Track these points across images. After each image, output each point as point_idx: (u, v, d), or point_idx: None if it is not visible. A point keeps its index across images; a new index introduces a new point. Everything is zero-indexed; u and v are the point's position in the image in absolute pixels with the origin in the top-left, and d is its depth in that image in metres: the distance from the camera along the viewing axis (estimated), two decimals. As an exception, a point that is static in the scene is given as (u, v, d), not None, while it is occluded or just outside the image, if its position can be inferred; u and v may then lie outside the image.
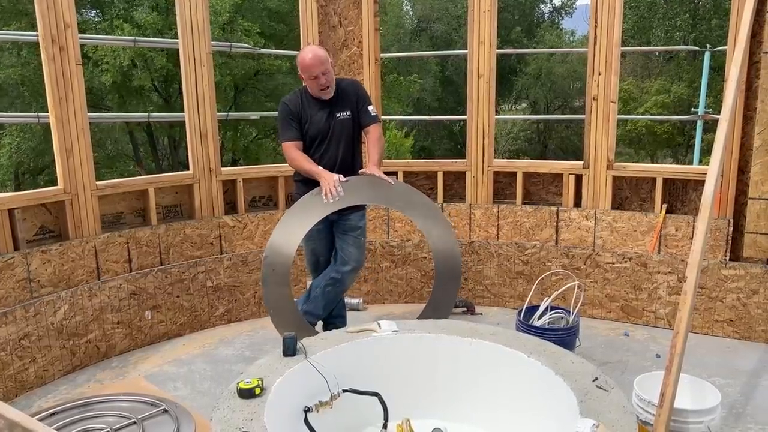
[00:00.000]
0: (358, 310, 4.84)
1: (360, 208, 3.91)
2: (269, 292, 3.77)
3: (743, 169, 4.28)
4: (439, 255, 4.02)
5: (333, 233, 3.95)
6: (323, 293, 3.90)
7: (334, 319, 4.08)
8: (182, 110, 4.58)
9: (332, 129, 3.74)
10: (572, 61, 24.78)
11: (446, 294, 4.07)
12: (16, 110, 16.23)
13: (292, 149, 3.73)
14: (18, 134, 16.14)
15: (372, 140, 3.80)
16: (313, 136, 3.76)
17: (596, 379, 2.55)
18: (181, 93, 4.65)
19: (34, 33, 3.89)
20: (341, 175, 3.61)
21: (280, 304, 3.79)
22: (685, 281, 2.83)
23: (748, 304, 4.20)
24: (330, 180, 3.57)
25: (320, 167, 3.66)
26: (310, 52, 3.65)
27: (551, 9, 30.16)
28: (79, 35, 4.00)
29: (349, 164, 3.80)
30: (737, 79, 3.46)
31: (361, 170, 3.75)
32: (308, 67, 3.60)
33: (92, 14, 16.97)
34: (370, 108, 3.83)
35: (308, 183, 3.73)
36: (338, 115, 3.75)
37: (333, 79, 3.69)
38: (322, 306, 3.91)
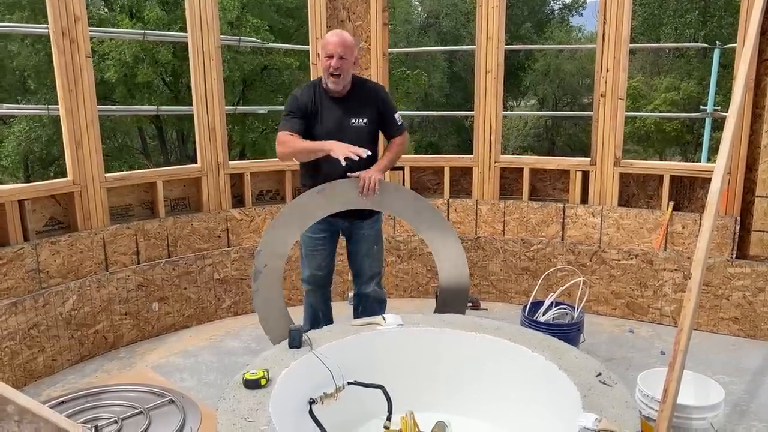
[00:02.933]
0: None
1: (373, 213, 3.53)
2: (259, 287, 3.38)
3: (751, 167, 4.27)
4: (446, 281, 3.62)
5: (335, 244, 3.63)
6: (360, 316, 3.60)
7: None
8: (190, 103, 4.61)
9: (344, 134, 3.29)
10: (581, 57, 24.67)
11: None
12: (28, 101, 16.36)
13: (283, 136, 3.28)
14: (28, 123, 16.23)
15: (391, 145, 3.47)
16: (320, 138, 3.30)
17: (600, 374, 2.56)
18: (189, 87, 4.66)
19: (45, 26, 3.92)
20: (352, 146, 3.13)
21: (269, 303, 3.43)
22: (690, 278, 2.83)
23: (754, 302, 4.19)
24: (344, 145, 3.11)
25: (321, 141, 3.22)
26: (336, 32, 3.34)
27: (561, 6, 30.04)
28: (90, 28, 4.03)
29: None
30: (746, 77, 3.45)
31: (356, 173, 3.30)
32: (327, 43, 3.26)
33: (100, 4, 17.02)
34: (397, 116, 3.46)
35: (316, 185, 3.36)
36: (353, 120, 3.35)
37: (348, 74, 3.30)
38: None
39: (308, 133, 3.32)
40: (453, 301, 3.62)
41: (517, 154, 18.35)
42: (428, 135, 25.01)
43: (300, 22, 17.61)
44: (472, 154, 5.05)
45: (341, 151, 3.11)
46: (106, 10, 16.75)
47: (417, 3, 28.33)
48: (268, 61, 17.34)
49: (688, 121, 19.85)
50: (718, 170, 3.08)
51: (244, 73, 16.92)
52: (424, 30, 27.03)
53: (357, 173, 3.27)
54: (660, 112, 18.67)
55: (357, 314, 3.73)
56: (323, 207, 3.33)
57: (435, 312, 3.72)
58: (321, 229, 3.50)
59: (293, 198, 4.96)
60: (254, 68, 17.30)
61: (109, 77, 15.39)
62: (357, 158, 3.10)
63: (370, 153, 3.18)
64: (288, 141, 3.26)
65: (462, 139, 24.60)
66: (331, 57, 3.23)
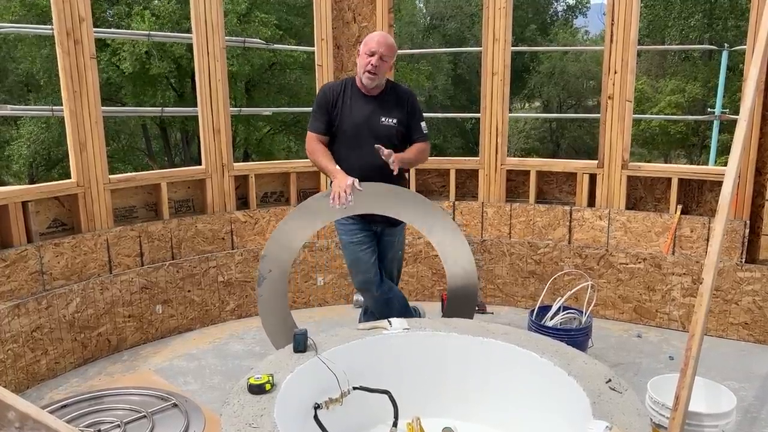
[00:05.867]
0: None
1: (400, 221, 3.58)
2: (264, 293, 3.42)
3: (760, 170, 4.23)
4: (454, 286, 3.61)
5: (376, 243, 3.59)
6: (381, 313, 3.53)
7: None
8: (195, 104, 4.58)
9: (373, 131, 3.36)
10: (585, 59, 24.63)
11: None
12: (35, 102, 16.37)
13: (312, 141, 3.40)
14: (36, 125, 16.25)
15: (414, 146, 3.49)
16: (347, 132, 3.39)
17: (609, 380, 2.52)
18: (193, 87, 4.64)
19: (50, 27, 3.90)
20: (356, 180, 3.21)
21: (273, 310, 3.47)
22: (700, 283, 2.78)
23: (764, 306, 4.14)
24: (342, 183, 3.17)
25: (337, 167, 3.29)
26: (381, 33, 3.46)
27: (565, 7, 30.01)
28: (94, 29, 4.01)
29: (387, 175, 3.32)
30: (756, 79, 3.40)
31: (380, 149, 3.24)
32: (371, 40, 3.30)
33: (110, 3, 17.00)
34: (423, 124, 3.52)
35: None
36: (383, 119, 3.39)
37: (383, 75, 3.37)
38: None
39: (331, 123, 3.41)
40: (461, 306, 3.60)
41: (521, 157, 18.33)
42: (432, 137, 24.90)
43: (307, 21, 17.63)
44: (476, 156, 5.02)
45: (335, 187, 3.20)
46: (110, 11, 16.71)
47: (421, 5, 28.33)
48: (276, 56, 17.35)
49: (693, 124, 19.77)
50: (730, 173, 3.04)
51: (254, 68, 16.89)
52: (429, 32, 27.02)
53: (384, 151, 3.21)
54: (665, 114, 18.63)
55: (365, 315, 3.75)
56: (330, 210, 3.30)
57: (443, 316, 3.70)
58: (359, 230, 3.49)
59: (298, 200, 4.95)
60: (264, 63, 17.28)
61: (125, 68, 15.34)
62: (347, 200, 3.16)
63: (360, 190, 3.21)
64: (313, 149, 3.39)
65: (465, 141, 24.57)
66: (372, 54, 3.27)
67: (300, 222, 3.42)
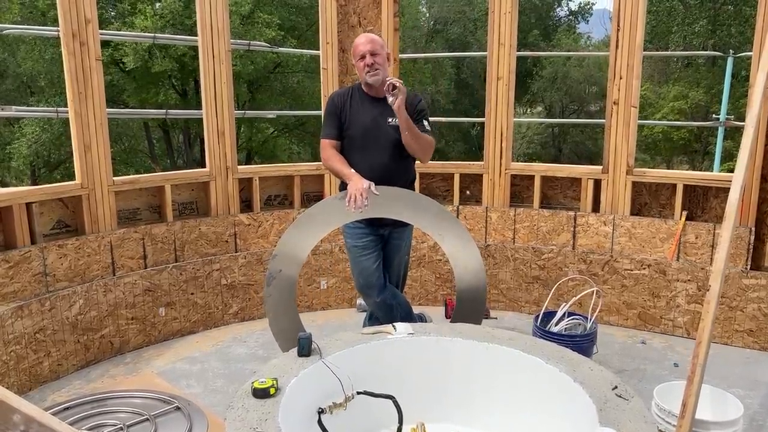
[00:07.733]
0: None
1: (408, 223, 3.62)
2: (272, 293, 3.47)
3: (766, 177, 4.21)
4: (464, 292, 3.65)
5: (381, 249, 3.62)
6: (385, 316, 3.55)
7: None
8: (199, 106, 4.58)
9: (380, 132, 3.43)
10: (588, 65, 24.62)
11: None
12: (37, 104, 16.39)
13: (326, 147, 3.48)
14: (38, 125, 16.26)
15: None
16: (355, 135, 3.46)
17: (616, 387, 2.51)
18: (197, 89, 4.64)
19: (56, 28, 3.90)
20: (372, 183, 3.28)
21: (281, 310, 3.50)
22: (707, 290, 2.77)
23: (769, 314, 4.13)
24: (358, 186, 3.24)
25: (352, 170, 3.35)
26: (363, 34, 3.51)
27: (568, 13, 30.03)
28: (100, 31, 4.02)
29: (396, 176, 3.46)
30: (763, 86, 3.39)
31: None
32: (356, 46, 3.41)
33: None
34: (426, 123, 3.51)
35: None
36: (390, 120, 3.42)
37: (384, 67, 3.41)
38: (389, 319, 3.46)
39: (342, 129, 3.50)
40: (470, 311, 3.62)
41: (523, 161, 18.31)
42: (435, 141, 24.94)
43: (311, 21, 17.68)
44: (478, 160, 5.01)
45: (351, 189, 3.27)
46: (113, 12, 16.74)
47: (424, 10, 28.36)
48: (279, 57, 17.39)
49: (696, 130, 19.78)
50: (737, 180, 3.02)
51: (258, 68, 16.91)
52: (432, 36, 27.04)
53: (393, 84, 3.24)
54: (668, 120, 18.63)
55: (370, 319, 3.74)
56: (345, 213, 3.32)
57: (450, 321, 3.70)
58: (366, 234, 3.52)
59: (302, 203, 4.95)
60: (267, 64, 17.32)
61: (128, 62, 15.34)
62: (363, 204, 3.24)
63: (377, 194, 3.29)
64: (328, 156, 3.46)
65: (468, 146, 24.58)
66: (363, 57, 3.38)
67: (313, 224, 3.45)
